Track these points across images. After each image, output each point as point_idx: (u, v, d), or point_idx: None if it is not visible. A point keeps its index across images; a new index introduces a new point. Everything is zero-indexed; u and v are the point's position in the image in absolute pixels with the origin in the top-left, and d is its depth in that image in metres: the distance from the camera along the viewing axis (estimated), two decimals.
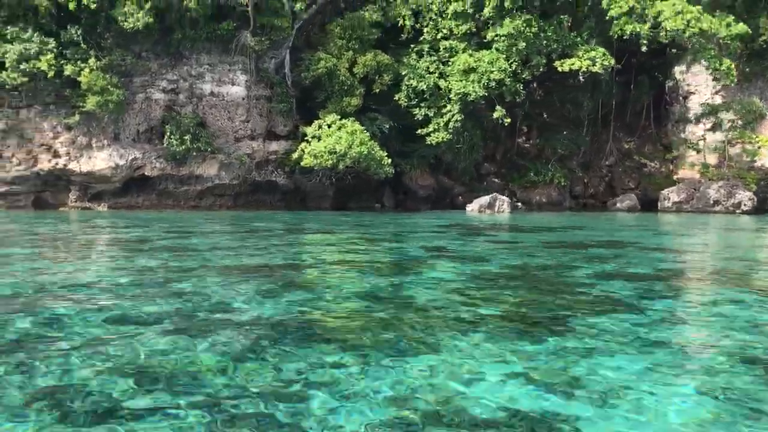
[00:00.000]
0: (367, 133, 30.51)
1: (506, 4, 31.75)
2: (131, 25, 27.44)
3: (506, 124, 33.71)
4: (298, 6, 31.74)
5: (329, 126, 31.23)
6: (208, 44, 30.96)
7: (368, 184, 34.81)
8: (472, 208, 31.96)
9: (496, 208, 31.50)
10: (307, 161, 31.01)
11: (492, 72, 31.87)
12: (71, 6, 26.96)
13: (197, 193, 31.93)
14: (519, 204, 41.67)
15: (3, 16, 28.36)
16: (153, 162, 30.62)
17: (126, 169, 30.16)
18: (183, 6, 28.51)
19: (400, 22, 34.58)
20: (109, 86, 28.00)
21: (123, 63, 29.19)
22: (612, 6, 31.14)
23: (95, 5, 27.04)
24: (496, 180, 43.58)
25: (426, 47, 34.62)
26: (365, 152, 29.80)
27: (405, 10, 34.42)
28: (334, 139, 29.70)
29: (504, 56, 32.26)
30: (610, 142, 42.78)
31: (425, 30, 34.37)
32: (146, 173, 30.68)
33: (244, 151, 32.21)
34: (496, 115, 33.00)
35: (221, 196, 32.57)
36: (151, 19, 27.69)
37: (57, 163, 29.79)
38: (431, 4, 34.09)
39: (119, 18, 27.48)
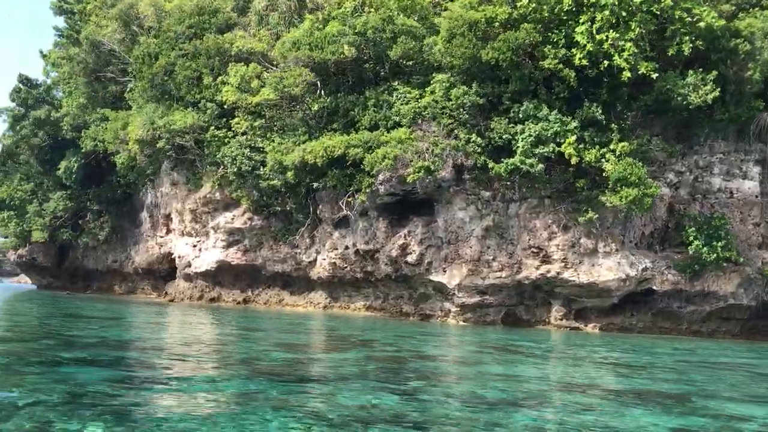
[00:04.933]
0: None
1: None
2: (695, 101, 21.43)
3: None
4: None
5: None
6: (726, 127, 24.59)
7: None
8: None
9: None
10: None
11: None
12: (624, 75, 21.31)
13: (704, 315, 24.77)
14: None
15: (508, 92, 23.37)
16: (664, 273, 23.93)
17: (634, 282, 23.62)
18: (745, 78, 22.35)
19: None
20: (647, 177, 21.93)
21: (648, 148, 23.21)
22: None
23: (656, 75, 21.29)
24: None
25: None
26: None
27: None
28: None
29: None
30: None
31: None
32: (654, 287, 23.96)
33: (759, 263, 24.99)
34: None
35: (727, 320, 25.20)
36: (718, 93, 21.60)
37: (548, 271, 23.73)
38: None
39: (679, 92, 21.58)
